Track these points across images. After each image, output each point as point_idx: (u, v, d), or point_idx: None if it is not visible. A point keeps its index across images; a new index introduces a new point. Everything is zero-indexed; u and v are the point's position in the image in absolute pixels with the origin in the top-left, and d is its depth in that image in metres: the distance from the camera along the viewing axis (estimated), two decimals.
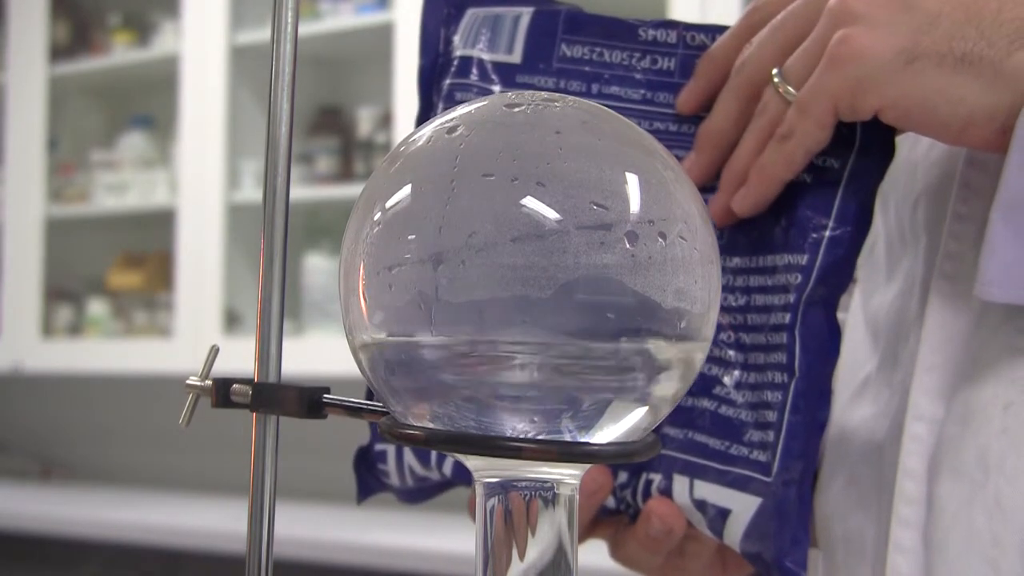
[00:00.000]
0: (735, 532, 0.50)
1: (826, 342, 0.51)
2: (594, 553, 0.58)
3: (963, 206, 0.52)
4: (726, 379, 0.52)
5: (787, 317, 0.50)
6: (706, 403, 0.52)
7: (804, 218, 0.51)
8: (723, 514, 0.51)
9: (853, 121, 0.49)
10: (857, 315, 0.62)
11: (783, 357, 0.51)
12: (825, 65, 0.48)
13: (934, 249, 0.54)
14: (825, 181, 0.51)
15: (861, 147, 0.51)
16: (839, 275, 0.51)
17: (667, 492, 0.53)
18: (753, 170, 0.51)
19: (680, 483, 0.52)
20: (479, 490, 0.35)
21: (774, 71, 0.51)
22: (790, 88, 0.50)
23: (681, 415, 0.53)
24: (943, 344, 0.51)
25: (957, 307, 0.52)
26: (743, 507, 0.50)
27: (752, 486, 0.50)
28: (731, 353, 0.52)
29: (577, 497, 0.35)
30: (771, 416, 0.50)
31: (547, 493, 0.35)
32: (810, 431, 0.50)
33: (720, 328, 0.52)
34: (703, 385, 0.52)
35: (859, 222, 0.51)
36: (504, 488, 0.35)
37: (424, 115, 0.57)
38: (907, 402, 0.52)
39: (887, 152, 0.51)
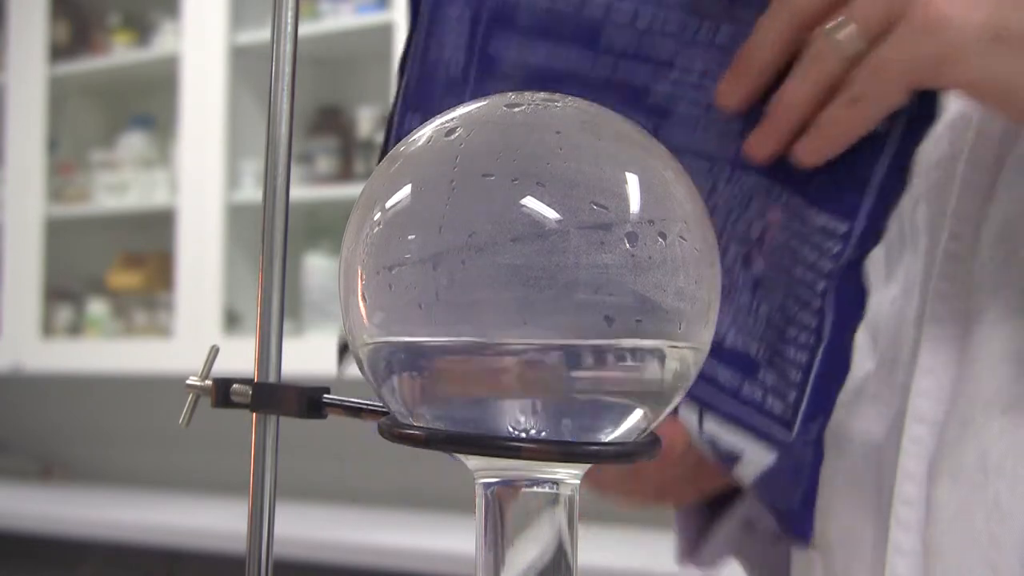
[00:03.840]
0: (746, 474, 0.50)
1: (856, 306, 0.49)
2: (594, 553, 0.58)
3: (963, 206, 0.52)
4: (741, 299, 0.50)
5: (821, 284, 0.49)
6: (723, 327, 0.50)
7: (845, 180, 0.49)
8: (734, 456, 0.50)
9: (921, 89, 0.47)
10: None
11: (813, 320, 0.49)
12: (908, 30, 0.44)
13: (934, 250, 0.54)
14: (868, 143, 0.49)
15: (907, 110, 0.49)
16: (874, 239, 0.49)
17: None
18: (819, 125, 0.48)
19: (687, 412, 0.51)
20: (479, 490, 0.35)
21: (834, 22, 0.46)
22: (850, 37, 0.46)
23: None
24: (942, 346, 0.51)
25: (956, 308, 0.52)
26: (757, 456, 0.50)
27: (768, 438, 0.50)
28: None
29: (577, 497, 0.35)
30: (793, 374, 0.49)
31: (547, 493, 0.35)
32: (831, 392, 0.50)
33: (750, 259, 0.50)
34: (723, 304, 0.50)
35: (897, 187, 0.49)
36: (504, 488, 0.35)
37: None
38: (907, 404, 0.52)
39: (932, 115, 0.49)
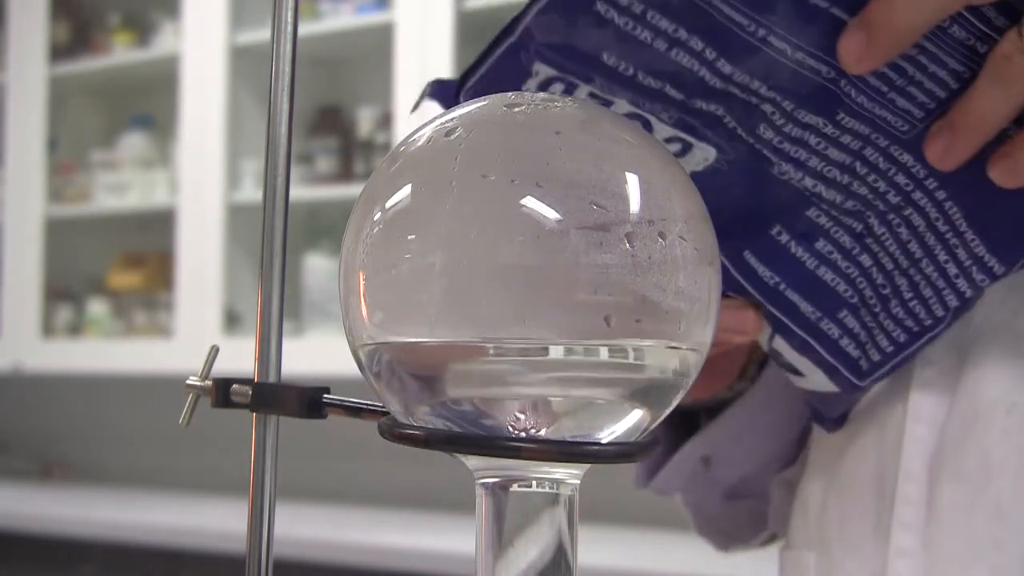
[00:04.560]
0: (802, 385, 0.51)
1: (969, 307, 0.48)
2: (594, 553, 0.58)
3: None
4: (840, 239, 0.47)
5: (953, 301, 0.48)
6: (802, 253, 0.48)
7: (1015, 222, 0.45)
8: (793, 370, 0.50)
9: None
10: None
11: (927, 319, 0.48)
12: None
13: None
14: None
15: None
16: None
17: None
18: (1020, 148, 0.42)
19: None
20: (479, 490, 0.35)
21: None
22: None
23: (772, 254, 0.48)
24: (944, 343, 0.51)
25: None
26: (819, 383, 0.50)
27: (834, 375, 0.50)
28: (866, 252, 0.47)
29: (577, 497, 0.35)
30: (885, 343, 0.49)
31: (547, 493, 0.35)
32: (911, 357, 0.50)
33: (866, 215, 0.46)
34: (804, 230, 0.47)
35: None
36: (504, 488, 0.35)
37: None
38: (906, 401, 0.52)
39: None
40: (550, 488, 0.35)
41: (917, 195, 0.46)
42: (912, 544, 0.50)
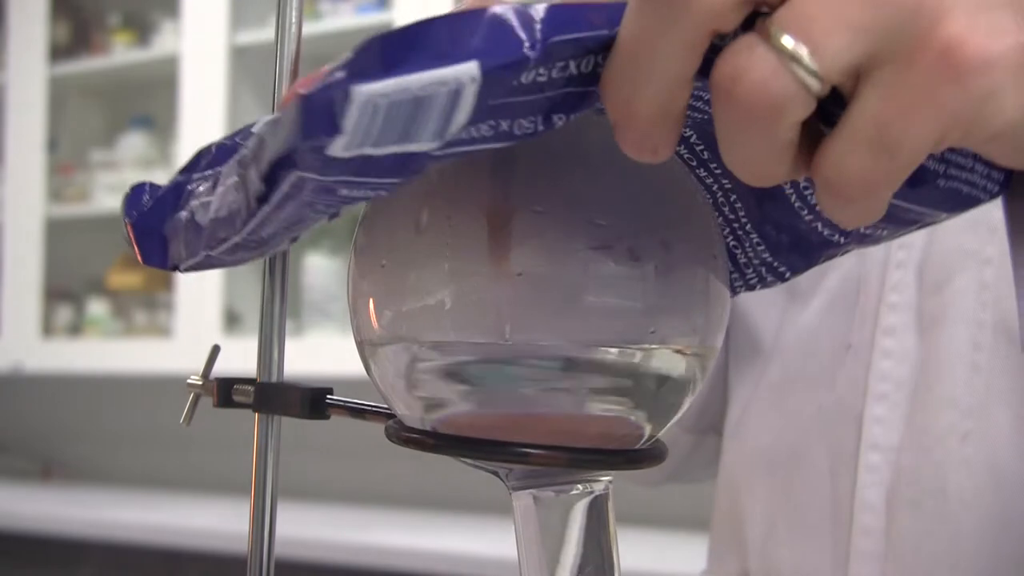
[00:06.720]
0: None
1: None
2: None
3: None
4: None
5: (746, 286, 0.41)
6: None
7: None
8: None
9: None
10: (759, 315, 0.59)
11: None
12: (935, 75, 0.26)
13: (877, 269, 0.53)
14: None
15: None
16: None
17: None
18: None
19: None
20: (514, 496, 0.35)
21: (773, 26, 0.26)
22: (805, 57, 0.25)
23: None
24: (894, 369, 0.50)
25: (905, 333, 0.51)
26: None
27: None
28: None
29: (611, 494, 0.35)
30: None
31: (581, 492, 0.35)
32: None
33: None
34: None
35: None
36: (537, 490, 0.35)
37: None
38: (859, 428, 0.51)
39: None
40: (583, 487, 0.35)
41: (703, 175, 0.38)
42: (872, 575, 0.50)
